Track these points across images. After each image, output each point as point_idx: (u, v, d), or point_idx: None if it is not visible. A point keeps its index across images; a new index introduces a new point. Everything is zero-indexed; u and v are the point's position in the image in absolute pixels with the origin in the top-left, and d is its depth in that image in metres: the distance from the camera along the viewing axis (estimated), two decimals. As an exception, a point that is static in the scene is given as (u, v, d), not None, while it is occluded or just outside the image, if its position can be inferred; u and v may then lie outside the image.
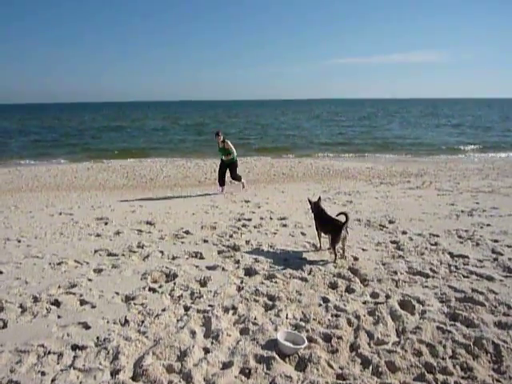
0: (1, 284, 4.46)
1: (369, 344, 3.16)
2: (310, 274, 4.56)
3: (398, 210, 7.65)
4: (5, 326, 3.56)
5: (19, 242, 6.24)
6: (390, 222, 6.78)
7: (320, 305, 3.80)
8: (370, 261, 4.93)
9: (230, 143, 10.35)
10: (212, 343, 3.20)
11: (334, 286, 4.25)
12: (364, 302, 3.84)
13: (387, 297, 3.93)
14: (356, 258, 4.98)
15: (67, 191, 11.86)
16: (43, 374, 2.85)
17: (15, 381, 2.77)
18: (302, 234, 6.18)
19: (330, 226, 5.04)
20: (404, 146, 23.68)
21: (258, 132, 34.49)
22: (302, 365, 2.91)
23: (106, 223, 7.28)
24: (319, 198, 5.51)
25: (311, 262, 4.87)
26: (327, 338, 3.22)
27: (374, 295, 4.00)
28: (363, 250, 5.34)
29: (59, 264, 5.05)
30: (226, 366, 2.91)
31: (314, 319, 3.54)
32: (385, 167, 15.38)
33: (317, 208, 5.35)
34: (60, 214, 8.36)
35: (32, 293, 4.19)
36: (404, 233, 6.08)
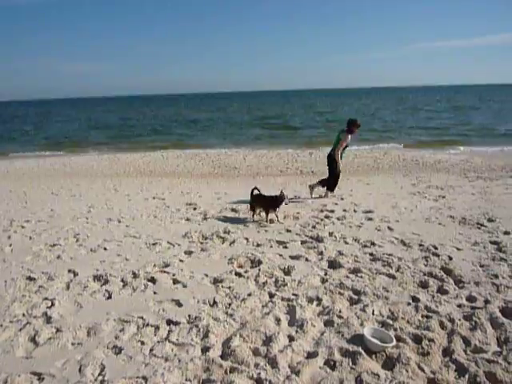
0: (105, 259, 4.97)
1: (465, 351, 2.95)
2: (398, 271, 4.37)
3: (499, 208, 6.95)
4: (109, 297, 3.96)
5: (119, 222, 6.86)
6: (490, 220, 6.20)
7: (409, 304, 3.62)
8: (466, 261, 4.57)
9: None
10: (296, 332, 3.23)
11: (424, 285, 4.02)
12: (459, 306, 3.57)
13: (486, 302, 3.62)
14: (450, 258, 4.65)
15: (159, 177, 12.71)
16: (143, 343, 3.13)
17: (119, 347, 3.08)
18: (389, 228, 5.92)
19: None
20: (509, 137, 21.32)
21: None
22: (389, 364, 2.82)
23: (194, 208, 7.68)
24: None
25: (399, 259, 4.65)
26: (417, 340, 3.07)
27: (471, 299, 3.70)
28: (458, 249, 4.97)
29: (154, 244, 5.47)
30: (311, 355, 2.92)
31: (402, 318, 3.39)
32: (482, 160, 14.04)
33: None
34: (153, 198, 9.01)
35: (131, 269, 4.60)
36: (506, 233, 5.52)
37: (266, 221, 6.46)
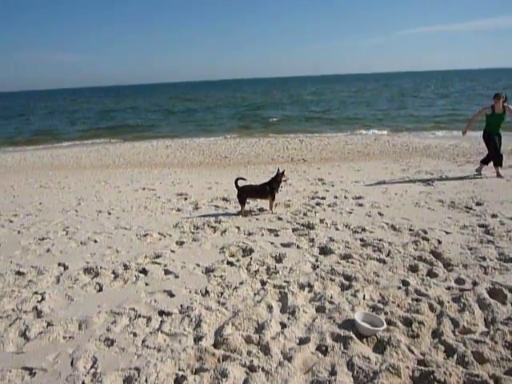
0: (96, 252, 4.94)
1: (453, 332, 2.99)
2: (388, 255, 4.41)
3: (487, 192, 7.04)
4: (101, 289, 3.94)
5: (109, 214, 6.82)
6: (478, 203, 6.27)
7: (399, 288, 3.66)
8: (455, 245, 4.62)
9: None
10: (288, 318, 3.25)
11: (414, 269, 4.07)
12: (448, 288, 3.62)
13: (474, 284, 3.67)
14: (439, 241, 4.71)
15: (149, 168, 12.61)
16: (135, 334, 3.12)
17: (111, 339, 3.07)
18: (380, 214, 5.96)
19: None
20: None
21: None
22: (380, 347, 2.85)
23: (185, 199, 7.66)
24: None
25: (390, 244, 4.69)
26: (407, 322, 3.11)
27: (460, 281, 3.75)
28: (447, 232, 5.02)
29: (145, 236, 5.45)
30: (303, 341, 2.95)
31: (392, 302, 3.43)
32: (471, 144, 14.14)
33: None
34: (144, 189, 8.96)
35: (122, 261, 4.58)
36: (494, 216, 5.59)
37: (271, 209, 6.33)
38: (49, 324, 3.31)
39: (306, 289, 3.75)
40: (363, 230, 5.27)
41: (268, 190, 6.20)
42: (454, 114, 25.14)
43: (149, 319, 3.32)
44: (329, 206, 6.61)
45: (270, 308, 3.42)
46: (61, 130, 27.49)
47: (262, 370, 2.63)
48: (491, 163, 8.42)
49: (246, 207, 6.40)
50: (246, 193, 6.27)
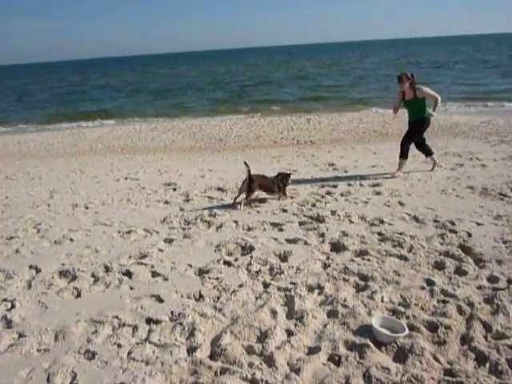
0: (72, 252, 4.98)
1: (485, 337, 3.03)
2: (410, 251, 4.44)
3: (525, 176, 7.05)
4: (79, 295, 3.98)
5: (87, 208, 6.85)
6: (514, 190, 6.30)
7: (423, 288, 3.70)
8: (487, 237, 4.65)
9: (427, 90, 7.21)
10: (296, 325, 3.29)
11: (440, 266, 4.10)
12: (479, 287, 3.66)
13: (509, 282, 3.71)
14: (469, 234, 4.74)
15: (131, 154, 12.63)
16: (119, 346, 3.16)
17: (92, 351, 3.11)
18: (400, 203, 5.99)
19: None
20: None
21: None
22: (401, 356, 2.89)
23: (174, 189, 7.68)
24: None
25: (412, 238, 4.73)
26: (432, 327, 3.15)
27: (493, 279, 3.79)
28: (478, 224, 5.05)
29: (128, 232, 5.48)
30: (313, 351, 2.98)
31: (415, 304, 3.47)
32: (506, 121, 14.10)
33: None
34: (126, 178, 8.98)
35: (103, 262, 4.61)
36: (533, 204, 5.62)
37: (285, 195, 6.62)
38: (20, 335, 3.34)
39: (316, 291, 3.78)
40: (381, 222, 5.30)
41: (280, 187, 6.54)
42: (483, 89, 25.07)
43: (135, 328, 3.35)
44: (341, 195, 6.64)
45: (274, 313, 3.45)
46: (18, 112, 27.22)
47: (266, 383, 2.67)
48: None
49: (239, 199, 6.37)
50: (257, 183, 6.29)
